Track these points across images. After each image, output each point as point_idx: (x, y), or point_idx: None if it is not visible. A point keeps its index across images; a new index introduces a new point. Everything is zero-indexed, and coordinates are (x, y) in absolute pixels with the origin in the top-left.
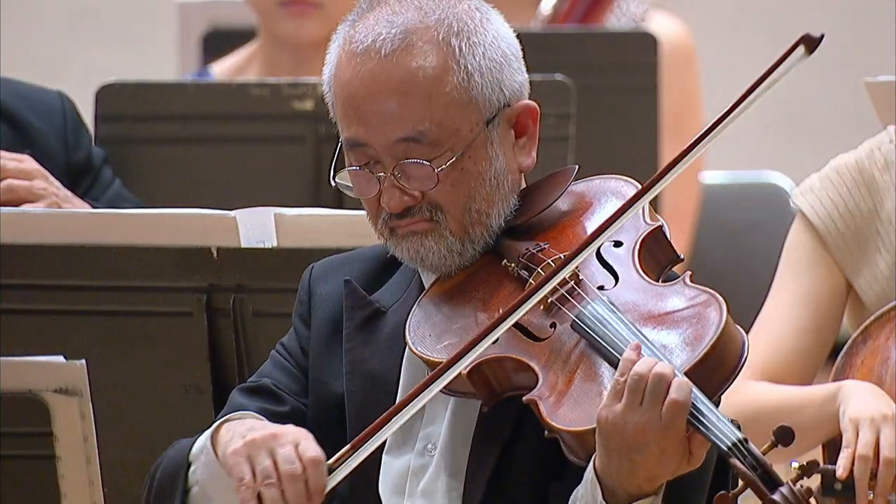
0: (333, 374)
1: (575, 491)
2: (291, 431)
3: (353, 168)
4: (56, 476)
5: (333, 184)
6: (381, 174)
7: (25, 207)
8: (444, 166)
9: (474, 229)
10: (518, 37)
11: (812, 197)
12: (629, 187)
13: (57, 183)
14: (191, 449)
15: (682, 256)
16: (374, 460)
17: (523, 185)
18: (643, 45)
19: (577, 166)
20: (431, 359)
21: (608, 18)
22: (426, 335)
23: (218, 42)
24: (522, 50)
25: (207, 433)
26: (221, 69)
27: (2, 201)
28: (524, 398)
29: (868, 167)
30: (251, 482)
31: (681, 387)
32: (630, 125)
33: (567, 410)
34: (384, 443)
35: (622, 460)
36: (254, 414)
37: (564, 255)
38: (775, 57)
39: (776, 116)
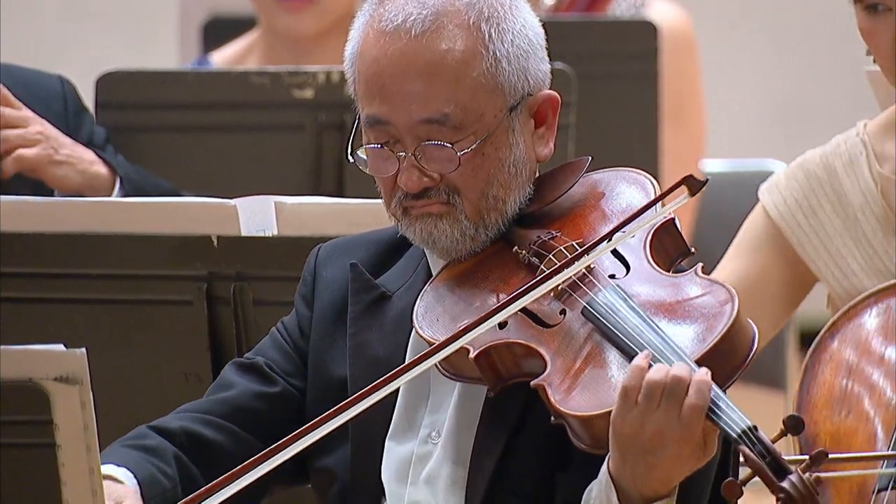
0: (335, 358)
1: (587, 490)
2: (118, 490)
3: (373, 146)
4: (56, 464)
5: (351, 159)
6: (402, 153)
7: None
8: (466, 150)
9: (490, 215)
10: None
11: (777, 195)
12: (643, 179)
13: (55, 131)
14: None
15: (693, 249)
16: (377, 446)
17: (537, 175)
18: (643, 33)
19: (590, 157)
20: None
21: (610, 8)
22: (434, 319)
23: (218, 31)
24: None
25: None
26: (221, 58)
27: None
28: (532, 383)
29: (832, 162)
30: None
31: (700, 389)
32: (630, 113)
33: (575, 396)
34: (388, 431)
35: (637, 463)
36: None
37: (576, 243)
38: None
39: (777, 104)
